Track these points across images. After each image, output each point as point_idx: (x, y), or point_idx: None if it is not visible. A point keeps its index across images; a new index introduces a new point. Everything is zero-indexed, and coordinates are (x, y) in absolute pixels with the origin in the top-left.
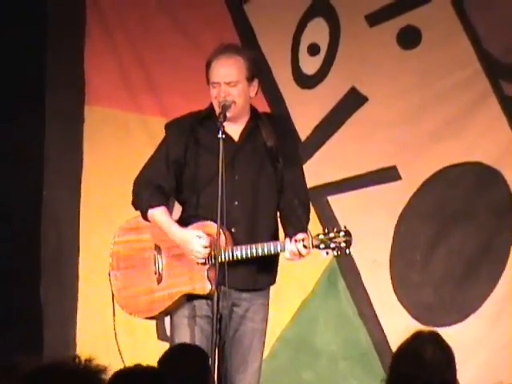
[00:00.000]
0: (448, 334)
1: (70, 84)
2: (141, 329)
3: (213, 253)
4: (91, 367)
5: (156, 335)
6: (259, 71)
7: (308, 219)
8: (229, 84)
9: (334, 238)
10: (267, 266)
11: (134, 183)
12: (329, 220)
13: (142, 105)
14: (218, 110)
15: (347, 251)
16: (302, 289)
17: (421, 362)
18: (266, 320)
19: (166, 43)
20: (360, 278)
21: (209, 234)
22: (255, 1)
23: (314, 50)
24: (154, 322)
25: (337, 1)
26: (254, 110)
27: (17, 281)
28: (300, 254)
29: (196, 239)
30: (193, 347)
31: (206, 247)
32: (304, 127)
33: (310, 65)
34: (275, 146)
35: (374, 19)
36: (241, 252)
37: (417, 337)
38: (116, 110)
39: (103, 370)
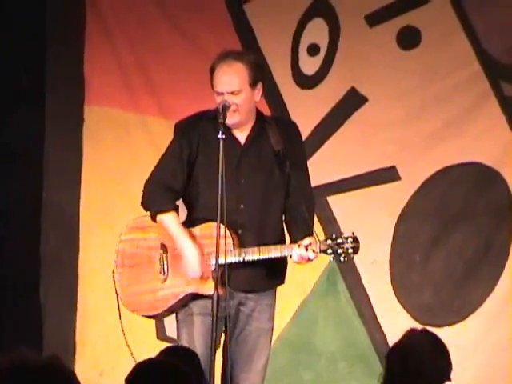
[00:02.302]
0: (448, 334)
1: (70, 84)
2: (140, 328)
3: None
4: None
5: (155, 335)
6: (262, 74)
7: (313, 223)
8: (232, 93)
9: (342, 243)
10: (273, 268)
11: (145, 184)
12: (328, 220)
13: (142, 105)
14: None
15: (352, 256)
16: (301, 289)
17: (414, 355)
18: (272, 319)
19: (166, 44)
20: (360, 278)
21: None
22: (255, 1)
23: (313, 50)
24: (153, 322)
25: (336, 1)
26: (259, 114)
27: (17, 281)
28: (308, 259)
29: (196, 261)
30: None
31: (200, 271)
32: (304, 127)
33: (309, 65)
34: (282, 149)
35: (374, 19)
36: (247, 255)
37: (409, 335)
38: (115, 110)
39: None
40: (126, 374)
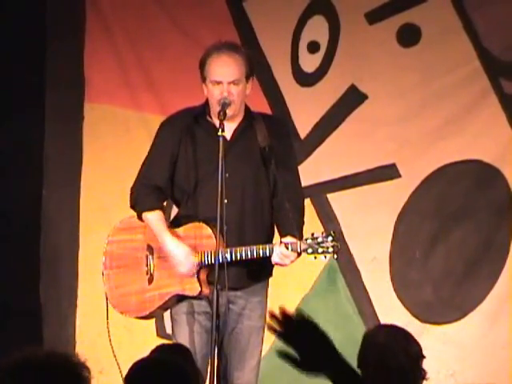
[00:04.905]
0: (447, 331)
1: (70, 81)
2: (140, 326)
3: (201, 257)
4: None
5: (155, 332)
6: (254, 69)
7: (302, 222)
8: (232, 82)
9: (322, 242)
10: (259, 264)
11: (132, 185)
12: (328, 218)
13: (142, 102)
14: (217, 108)
15: (335, 256)
16: (301, 286)
17: (387, 355)
18: (263, 317)
19: (166, 41)
20: (359, 275)
21: (201, 237)
22: None
23: (313, 47)
24: (153, 320)
25: None
26: (247, 109)
27: (16, 280)
28: (289, 258)
29: (184, 259)
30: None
31: (190, 269)
32: (304, 125)
33: (309, 62)
34: (269, 147)
35: (374, 17)
36: (230, 255)
37: (366, 337)
38: (116, 108)
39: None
40: (125, 372)
